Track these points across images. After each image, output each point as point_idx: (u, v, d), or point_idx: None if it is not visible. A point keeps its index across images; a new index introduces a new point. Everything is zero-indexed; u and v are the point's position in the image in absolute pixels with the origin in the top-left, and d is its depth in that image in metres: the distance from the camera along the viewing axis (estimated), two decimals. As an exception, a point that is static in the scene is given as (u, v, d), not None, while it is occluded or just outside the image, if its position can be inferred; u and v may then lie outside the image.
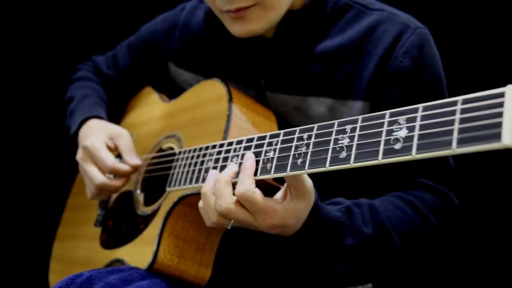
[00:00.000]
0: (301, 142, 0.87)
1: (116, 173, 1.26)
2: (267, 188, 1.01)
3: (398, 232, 1.10)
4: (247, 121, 1.14)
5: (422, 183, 1.16)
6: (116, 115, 1.55)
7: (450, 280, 1.73)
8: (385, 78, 1.15)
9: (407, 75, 1.14)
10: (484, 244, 1.69)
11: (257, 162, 0.94)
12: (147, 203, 1.28)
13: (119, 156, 1.31)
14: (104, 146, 1.28)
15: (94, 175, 1.26)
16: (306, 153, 0.85)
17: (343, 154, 0.79)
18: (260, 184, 0.93)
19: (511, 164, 1.59)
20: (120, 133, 1.32)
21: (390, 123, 0.75)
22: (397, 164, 1.14)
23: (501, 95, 0.62)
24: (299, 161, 0.86)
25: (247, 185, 0.91)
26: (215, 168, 1.04)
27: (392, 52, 1.14)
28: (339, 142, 0.81)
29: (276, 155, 0.90)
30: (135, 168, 1.27)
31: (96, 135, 1.30)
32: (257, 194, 0.91)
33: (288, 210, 0.94)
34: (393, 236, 1.09)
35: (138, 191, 1.32)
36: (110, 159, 1.25)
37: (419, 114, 0.71)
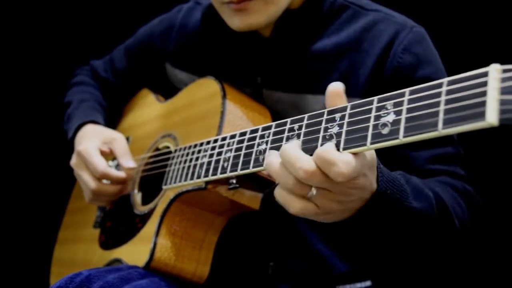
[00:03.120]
0: (292, 133, 0.88)
1: (109, 179, 1.27)
2: (261, 181, 1.02)
3: (451, 205, 1.05)
4: (241, 117, 1.15)
5: (444, 170, 1.14)
6: (114, 118, 1.56)
7: (450, 280, 1.72)
8: (385, 76, 1.15)
9: (409, 71, 1.14)
10: (484, 244, 1.67)
11: (250, 154, 0.95)
12: (145, 202, 1.29)
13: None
14: (97, 151, 1.28)
15: (87, 180, 1.27)
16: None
17: (332, 142, 0.79)
18: (253, 177, 0.94)
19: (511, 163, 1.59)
20: (114, 137, 1.32)
21: (378, 109, 0.75)
22: (412, 156, 1.13)
23: (485, 74, 0.63)
24: (291, 151, 0.86)
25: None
26: (209, 163, 1.05)
27: (390, 50, 1.15)
28: (329, 130, 0.81)
29: (269, 146, 0.91)
30: (129, 173, 1.28)
31: (90, 140, 1.31)
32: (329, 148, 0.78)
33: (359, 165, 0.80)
34: (449, 207, 1.03)
35: (136, 191, 1.33)
36: (101, 165, 1.25)
37: (406, 98, 0.72)
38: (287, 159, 0.81)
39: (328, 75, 1.19)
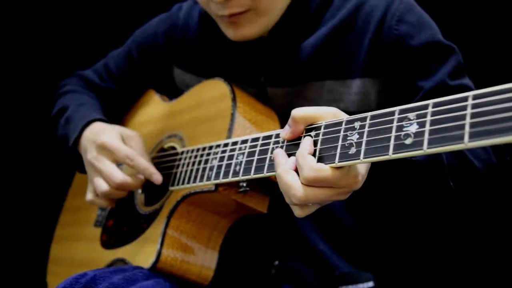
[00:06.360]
0: None
1: (138, 169, 1.21)
2: (271, 184, 1.02)
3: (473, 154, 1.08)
4: (250, 120, 1.15)
5: None
6: (117, 119, 1.50)
7: (451, 280, 1.74)
8: (384, 50, 1.16)
9: (408, 39, 1.15)
10: (484, 244, 1.70)
11: (264, 159, 0.95)
12: (148, 202, 1.28)
13: None
14: (122, 143, 1.24)
15: (113, 172, 1.20)
16: (314, 150, 0.86)
17: (353, 150, 0.80)
18: (264, 180, 0.94)
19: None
20: (131, 135, 1.27)
21: (400, 119, 0.76)
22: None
23: (512, 90, 0.64)
24: (308, 158, 0.86)
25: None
26: (220, 166, 1.05)
27: (383, 24, 1.16)
28: (348, 138, 0.81)
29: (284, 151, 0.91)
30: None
31: (110, 133, 1.25)
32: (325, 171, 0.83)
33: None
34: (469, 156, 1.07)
35: (139, 191, 1.32)
36: (139, 155, 1.22)
37: (429, 110, 0.73)
38: (281, 186, 0.87)
39: (328, 59, 1.20)
